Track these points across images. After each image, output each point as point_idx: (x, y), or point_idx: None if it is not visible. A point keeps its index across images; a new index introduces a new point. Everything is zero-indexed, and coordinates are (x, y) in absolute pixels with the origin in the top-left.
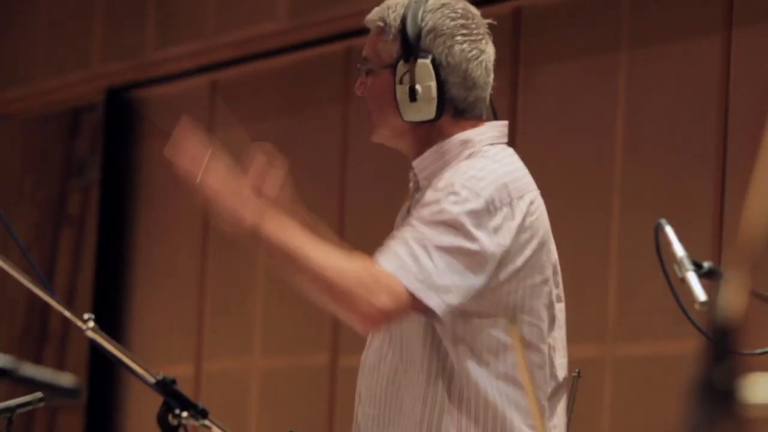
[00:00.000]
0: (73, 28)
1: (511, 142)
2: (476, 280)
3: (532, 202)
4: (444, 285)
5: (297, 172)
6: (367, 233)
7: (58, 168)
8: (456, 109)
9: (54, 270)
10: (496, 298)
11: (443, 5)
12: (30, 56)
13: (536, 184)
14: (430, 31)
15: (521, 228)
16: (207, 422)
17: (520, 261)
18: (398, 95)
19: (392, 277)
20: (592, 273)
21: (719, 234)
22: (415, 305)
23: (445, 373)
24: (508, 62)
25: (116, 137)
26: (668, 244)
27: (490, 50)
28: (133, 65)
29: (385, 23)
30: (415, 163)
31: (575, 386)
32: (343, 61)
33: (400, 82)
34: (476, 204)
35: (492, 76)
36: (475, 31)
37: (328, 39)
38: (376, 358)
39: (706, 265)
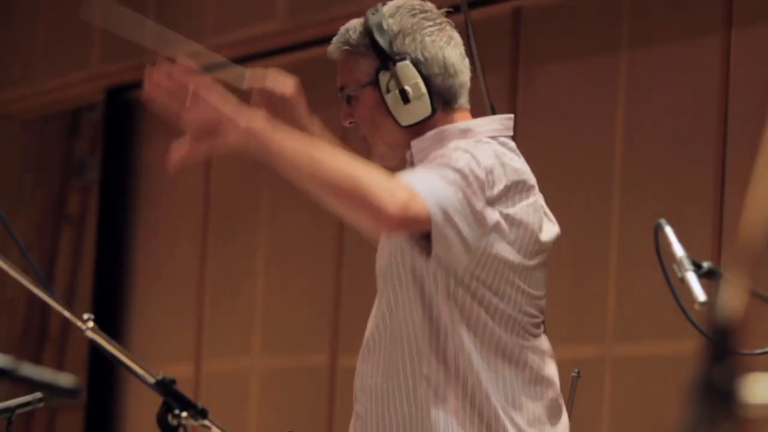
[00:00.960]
0: (73, 28)
1: None
2: (473, 233)
3: (529, 189)
4: (452, 209)
5: None
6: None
7: (58, 168)
8: (444, 100)
9: (54, 270)
10: (477, 270)
11: (399, 6)
12: (30, 56)
13: (536, 183)
14: (397, 34)
15: (513, 206)
16: (206, 422)
17: (504, 242)
18: (390, 103)
19: (410, 187)
20: (592, 273)
21: (719, 234)
22: (425, 222)
23: (439, 345)
24: (508, 62)
25: (116, 137)
26: (668, 244)
27: (456, 35)
28: (133, 65)
29: (351, 45)
30: (414, 143)
31: (575, 386)
32: None
33: (388, 91)
34: (479, 171)
35: (467, 60)
36: (437, 21)
37: (328, 39)
38: (369, 343)
39: (705, 265)
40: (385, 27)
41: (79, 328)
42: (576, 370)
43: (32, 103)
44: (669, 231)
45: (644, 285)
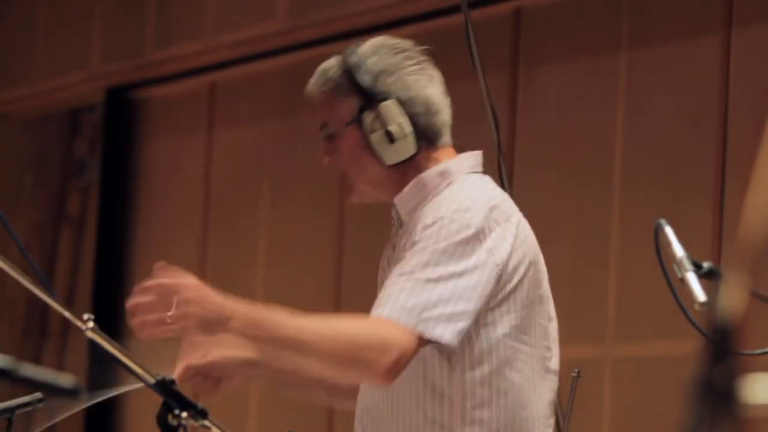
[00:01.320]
0: (73, 28)
1: (511, 142)
2: (477, 301)
3: (518, 223)
4: (450, 313)
5: (296, 173)
6: (366, 232)
7: (58, 168)
8: (428, 139)
9: (54, 270)
10: (494, 315)
11: (380, 46)
12: (30, 56)
13: (536, 185)
14: (380, 74)
15: (514, 248)
16: (207, 422)
17: (515, 279)
18: (374, 143)
19: (396, 325)
20: (592, 273)
21: (719, 234)
22: (426, 341)
23: (441, 384)
24: (508, 62)
25: (116, 137)
26: (668, 244)
27: (436, 74)
28: (133, 65)
29: (332, 83)
30: (397, 199)
31: (575, 386)
32: None
33: (372, 131)
34: (467, 233)
35: (449, 98)
36: (418, 59)
37: (328, 39)
38: (364, 416)
39: (705, 265)
40: (366, 66)
41: (79, 328)
42: (576, 370)
43: (32, 103)
44: (669, 231)
45: (644, 285)
